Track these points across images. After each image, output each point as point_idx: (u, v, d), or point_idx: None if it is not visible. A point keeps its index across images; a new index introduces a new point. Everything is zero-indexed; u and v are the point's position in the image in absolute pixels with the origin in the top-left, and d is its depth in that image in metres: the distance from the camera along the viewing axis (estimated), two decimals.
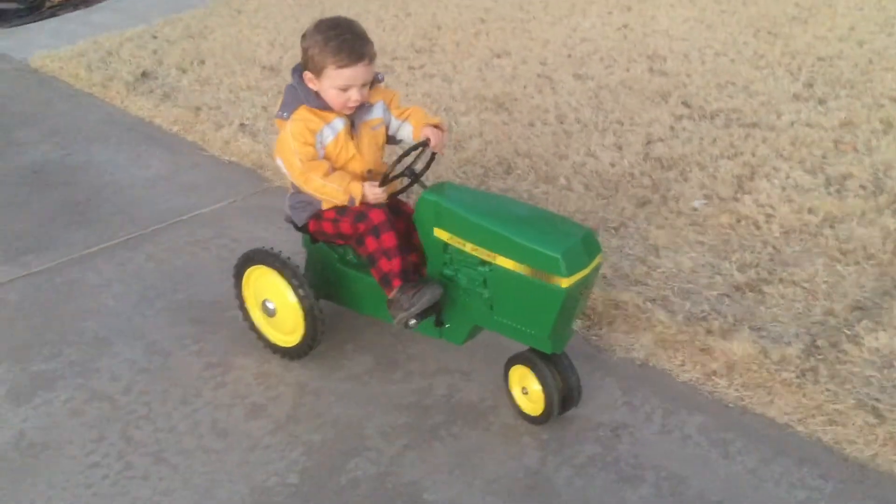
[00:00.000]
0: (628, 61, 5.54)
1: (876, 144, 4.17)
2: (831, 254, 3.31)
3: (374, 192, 2.61)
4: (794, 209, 3.63)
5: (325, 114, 2.66)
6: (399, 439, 2.61)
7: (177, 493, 2.44)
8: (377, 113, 2.79)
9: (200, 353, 3.05)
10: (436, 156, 2.76)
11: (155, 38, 6.71)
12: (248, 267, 2.93)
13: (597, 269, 2.46)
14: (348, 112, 2.68)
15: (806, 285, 3.14)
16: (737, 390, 2.76)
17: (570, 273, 2.33)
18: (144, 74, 5.86)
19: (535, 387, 2.56)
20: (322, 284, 2.90)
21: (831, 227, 3.50)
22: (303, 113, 2.65)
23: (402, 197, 2.95)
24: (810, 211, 3.61)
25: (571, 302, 2.41)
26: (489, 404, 2.75)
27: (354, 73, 2.58)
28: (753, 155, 4.13)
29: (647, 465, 2.50)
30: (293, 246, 3.15)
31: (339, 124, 2.69)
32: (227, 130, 4.84)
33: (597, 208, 3.74)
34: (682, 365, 2.89)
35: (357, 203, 2.62)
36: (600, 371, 2.89)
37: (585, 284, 2.43)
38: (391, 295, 2.60)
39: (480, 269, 2.52)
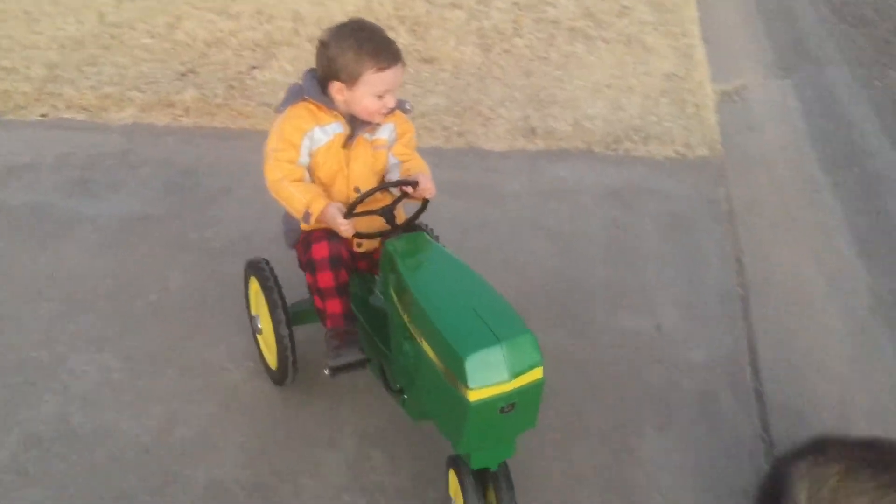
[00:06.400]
0: None
1: None
2: None
3: (338, 219, 2.26)
4: None
5: (324, 114, 2.36)
6: None
7: None
8: (384, 134, 2.47)
9: None
10: (427, 205, 2.43)
11: None
12: (249, 276, 2.74)
13: (533, 387, 1.96)
14: (380, 121, 2.40)
15: None
16: None
17: (476, 384, 1.87)
18: None
19: (461, 500, 2.14)
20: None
21: None
22: (298, 110, 2.36)
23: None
24: None
25: (491, 419, 1.94)
26: None
27: (395, 75, 2.31)
28: None
29: None
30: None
31: (337, 128, 2.38)
32: None
33: None
34: None
35: (312, 221, 2.30)
36: None
37: (510, 401, 1.92)
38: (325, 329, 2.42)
39: (417, 346, 2.10)
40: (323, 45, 2.33)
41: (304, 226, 2.42)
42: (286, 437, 2.59)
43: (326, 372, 2.36)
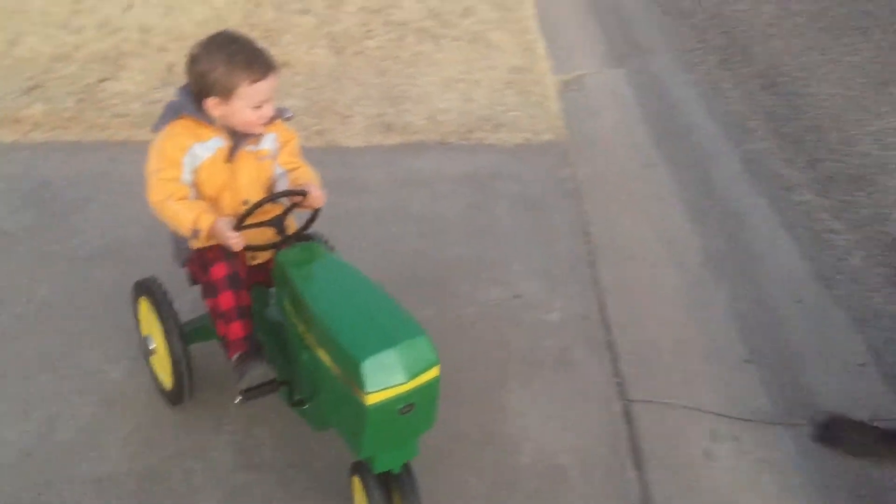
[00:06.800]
0: None
1: None
2: None
3: (227, 233, 2.22)
4: None
5: (203, 129, 2.30)
6: None
7: None
8: (267, 144, 2.42)
9: None
10: (319, 214, 2.41)
11: None
12: (138, 296, 2.69)
13: (430, 386, 1.99)
14: (261, 131, 2.34)
15: None
16: None
17: (373, 388, 1.90)
18: None
19: None
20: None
21: None
22: (176, 128, 2.30)
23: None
24: None
25: (391, 421, 1.97)
26: None
27: (270, 85, 2.25)
28: None
29: None
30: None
31: (218, 143, 2.32)
32: None
33: None
34: None
35: (202, 238, 2.26)
36: None
37: (408, 402, 1.95)
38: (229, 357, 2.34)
39: (314, 355, 2.13)
40: (193, 61, 2.26)
41: (194, 243, 2.38)
42: (172, 427, 2.64)
43: (237, 400, 2.30)
